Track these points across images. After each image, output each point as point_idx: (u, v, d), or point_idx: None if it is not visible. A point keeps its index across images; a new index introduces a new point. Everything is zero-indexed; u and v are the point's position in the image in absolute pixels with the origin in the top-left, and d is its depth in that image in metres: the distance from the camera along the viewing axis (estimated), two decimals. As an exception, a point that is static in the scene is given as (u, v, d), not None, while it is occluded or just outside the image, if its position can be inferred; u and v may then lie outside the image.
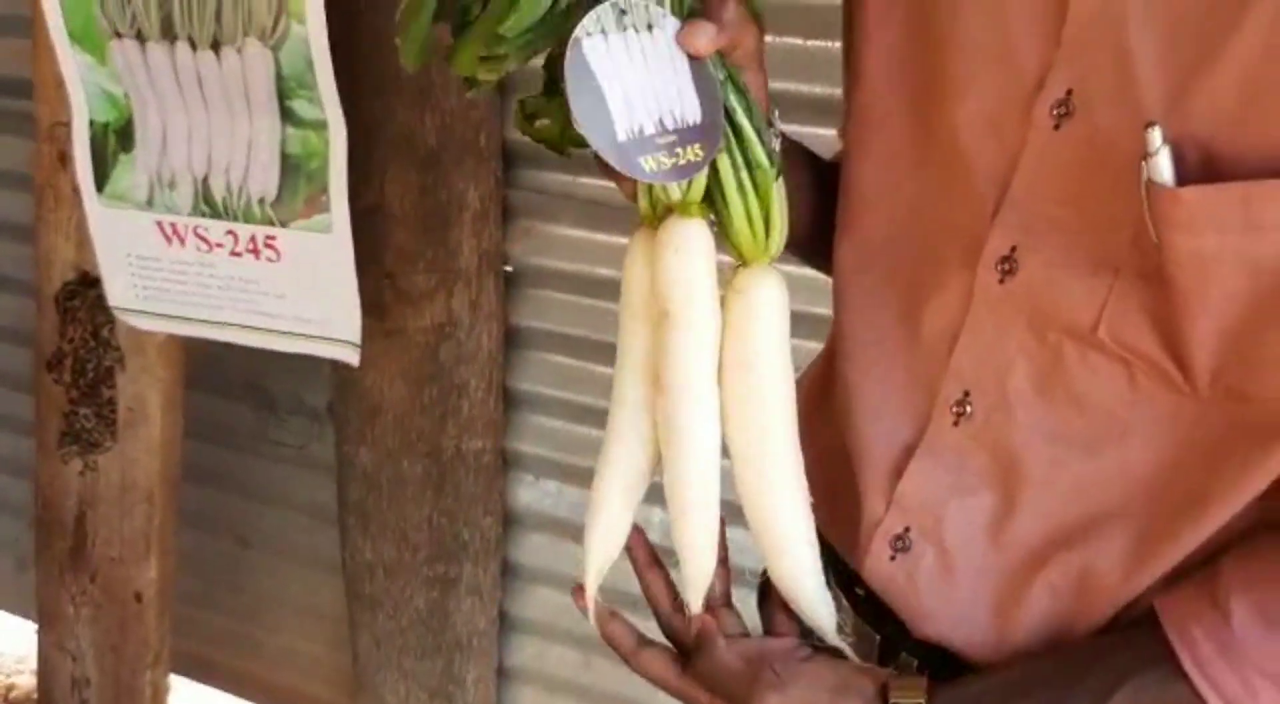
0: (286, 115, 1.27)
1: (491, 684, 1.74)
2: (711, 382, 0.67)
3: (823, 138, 0.90)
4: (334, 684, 1.90)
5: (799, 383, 0.86)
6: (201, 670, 2.01)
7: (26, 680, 2.28)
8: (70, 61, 1.36)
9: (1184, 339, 0.62)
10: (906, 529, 0.74)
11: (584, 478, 1.55)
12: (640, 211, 0.66)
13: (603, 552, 0.72)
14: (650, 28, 0.60)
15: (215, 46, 1.26)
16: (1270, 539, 0.63)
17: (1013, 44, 0.65)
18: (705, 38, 0.61)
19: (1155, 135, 0.58)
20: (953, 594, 0.73)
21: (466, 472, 1.59)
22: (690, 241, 0.65)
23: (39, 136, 1.53)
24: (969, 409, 0.71)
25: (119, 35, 1.31)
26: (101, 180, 1.43)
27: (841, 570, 0.79)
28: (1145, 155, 0.58)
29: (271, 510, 1.90)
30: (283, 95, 1.26)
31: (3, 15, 1.76)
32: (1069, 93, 0.63)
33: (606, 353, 1.40)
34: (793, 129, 0.77)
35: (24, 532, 2.07)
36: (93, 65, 1.36)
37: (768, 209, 0.65)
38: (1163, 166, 0.58)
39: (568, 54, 0.58)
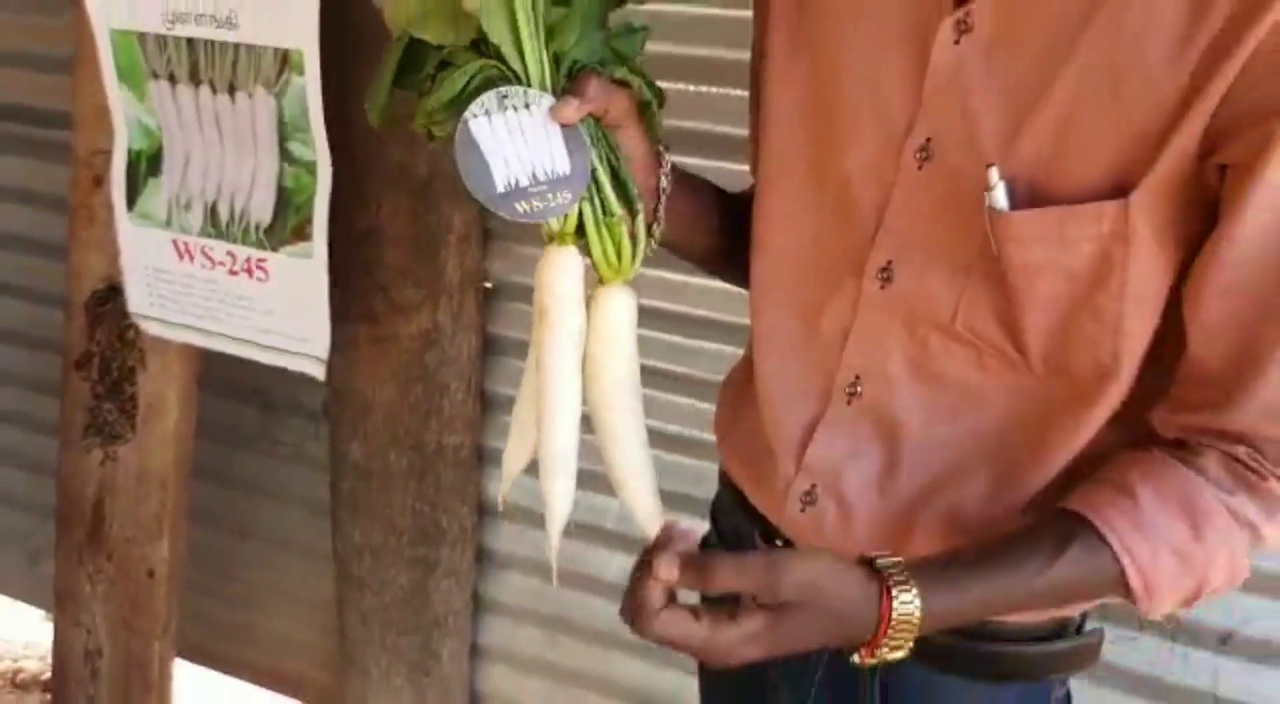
0: (284, 154, 1.46)
1: (465, 660, 1.91)
2: (575, 364, 0.84)
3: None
4: (323, 666, 2.06)
5: (728, 378, 1.06)
6: (201, 654, 2.16)
7: (34, 665, 2.43)
8: (116, 96, 1.56)
9: (1019, 328, 0.80)
10: (813, 487, 0.92)
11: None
12: (547, 235, 0.84)
13: (514, 465, 0.90)
14: (528, 106, 0.77)
15: (231, 91, 1.46)
16: (1153, 446, 0.78)
17: (885, 104, 0.82)
18: (569, 109, 0.77)
19: (993, 173, 0.76)
20: (851, 536, 0.90)
21: (446, 465, 1.77)
22: (561, 262, 0.83)
23: (76, 162, 1.71)
24: (859, 390, 0.89)
25: (156, 76, 1.51)
26: (132, 200, 1.62)
27: (765, 526, 0.97)
28: (987, 188, 0.76)
29: (270, 504, 2.07)
30: (282, 136, 1.45)
31: (43, 55, 1.95)
32: (928, 141, 0.81)
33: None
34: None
35: (36, 525, 2.24)
36: (133, 101, 1.55)
37: (619, 243, 0.83)
38: (999, 197, 0.76)
39: (458, 131, 0.76)
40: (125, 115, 1.57)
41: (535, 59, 0.77)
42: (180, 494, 1.78)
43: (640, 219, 0.84)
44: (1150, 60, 0.70)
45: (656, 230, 0.88)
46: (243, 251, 1.51)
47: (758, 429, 0.95)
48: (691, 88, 1.53)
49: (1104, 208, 0.73)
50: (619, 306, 0.85)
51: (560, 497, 0.85)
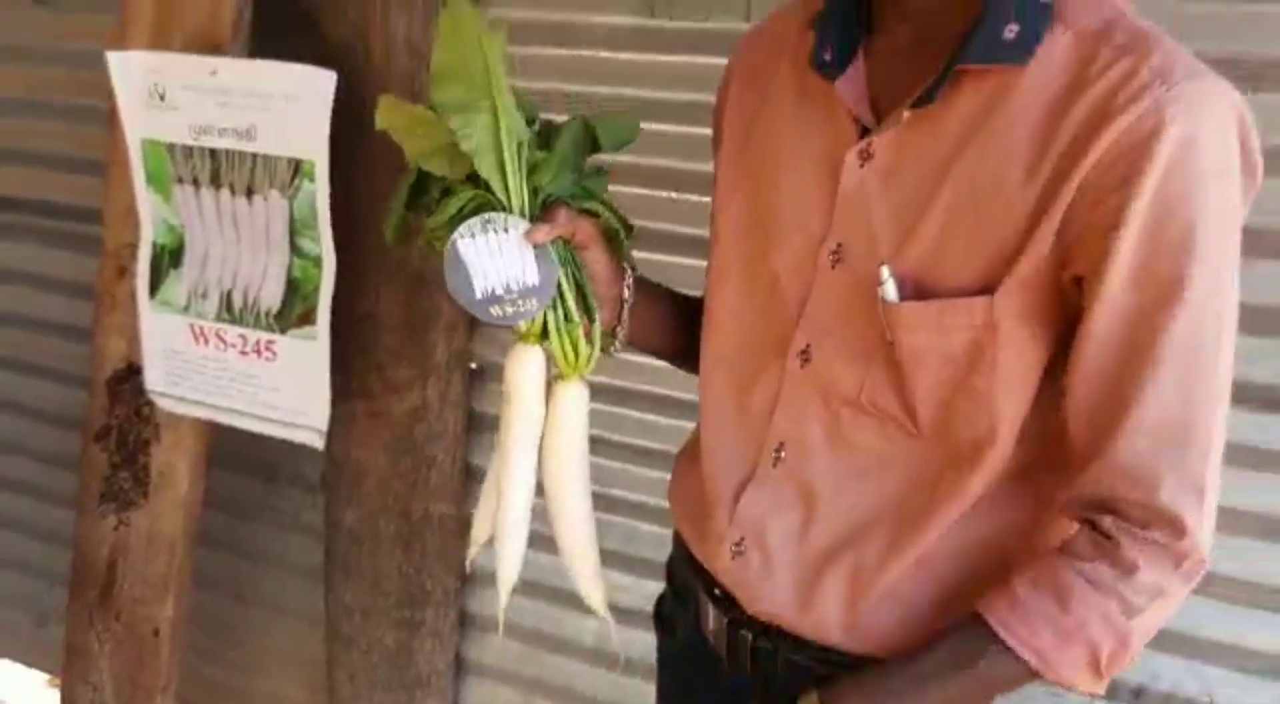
0: (294, 248, 1.65)
1: (447, 718, 2.04)
2: (531, 446, 1.02)
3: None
4: (312, 725, 2.19)
5: (681, 450, 1.22)
6: (198, 715, 2.29)
7: (36, 727, 2.54)
8: (144, 198, 1.75)
9: (912, 402, 0.94)
10: (742, 538, 1.05)
11: (539, 543, 1.90)
12: (516, 335, 1.03)
13: (480, 533, 1.09)
14: (507, 229, 0.96)
15: (249, 193, 1.66)
16: (1041, 555, 0.93)
17: (806, 217, 0.99)
18: (540, 233, 0.95)
19: (885, 271, 0.91)
20: (772, 582, 1.03)
21: (432, 532, 1.92)
22: (526, 358, 1.01)
23: (104, 254, 1.90)
24: (783, 455, 1.02)
25: (181, 181, 1.71)
26: (154, 289, 1.81)
27: (706, 580, 1.10)
28: (879, 283, 0.92)
29: (268, 570, 2.21)
30: (293, 233, 1.64)
31: (79, 158, 2.15)
32: (839, 246, 0.96)
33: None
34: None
35: (45, 590, 2.38)
36: (160, 202, 1.75)
37: (577, 345, 1.02)
38: (890, 291, 0.91)
39: (447, 249, 0.95)
40: (151, 214, 1.76)
41: (517, 191, 0.96)
42: (186, 557, 1.93)
43: (598, 325, 1.02)
44: (1006, 185, 0.86)
45: (621, 332, 1.06)
46: (253, 335, 1.69)
47: (701, 490, 1.10)
48: (663, 194, 1.72)
49: (974, 303, 0.88)
50: (573, 400, 1.03)
51: (510, 560, 1.04)
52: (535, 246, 0.96)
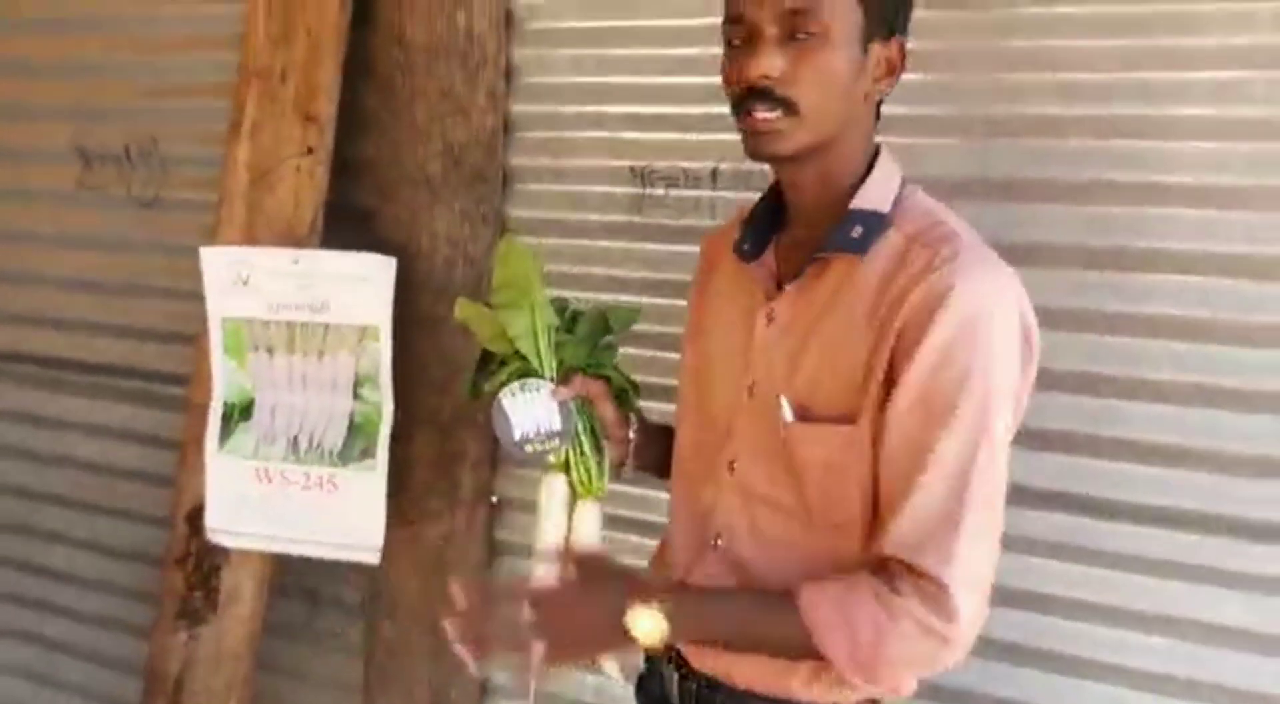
0: (357, 397, 2.05)
1: (468, 817, 2.29)
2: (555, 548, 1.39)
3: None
4: None
5: (657, 548, 1.55)
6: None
7: None
8: (220, 365, 2.13)
9: (805, 497, 1.26)
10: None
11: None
12: (544, 467, 1.41)
13: None
14: (539, 389, 1.36)
15: (319, 354, 2.07)
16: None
17: (734, 362, 1.34)
18: (561, 393, 1.35)
19: (782, 400, 1.25)
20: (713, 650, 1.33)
21: (459, 690, 2.22)
22: (553, 483, 1.40)
23: (190, 409, 2.29)
24: (720, 542, 1.34)
25: (257, 349, 2.11)
26: (224, 440, 2.17)
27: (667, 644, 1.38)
28: (780, 409, 1.27)
29: (310, 688, 2.50)
30: (357, 385, 2.04)
31: (167, 331, 2.56)
32: (754, 382, 1.30)
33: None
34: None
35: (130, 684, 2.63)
36: (235, 368, 2.12)
37: (589, 474, 1.40)
38: (787, 414, 1.25)
39: (493, 404, 1.36)
40: (225, 378, 2.13)
41: (547, 363, 1.38)
42: (250, 667, 2.24)
43: (605, 460, 1.39)
44: (852, 337, 1.21)
45: (629, 466, 1.43)
46: (317, 471, 2.06)
47: (667, 572, 1.44)
48: (647, 353, 2.10)
49: (841, 429, 1.21)
50: (588, 515, 1.41)
51: None
52: (559, 402, 1.35)
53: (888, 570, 1.17)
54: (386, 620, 2.22)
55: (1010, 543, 1.70)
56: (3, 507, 2.82)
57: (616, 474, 1.47)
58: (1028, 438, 1.70)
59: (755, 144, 1.21)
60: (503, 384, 1.36)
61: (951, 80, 1.73)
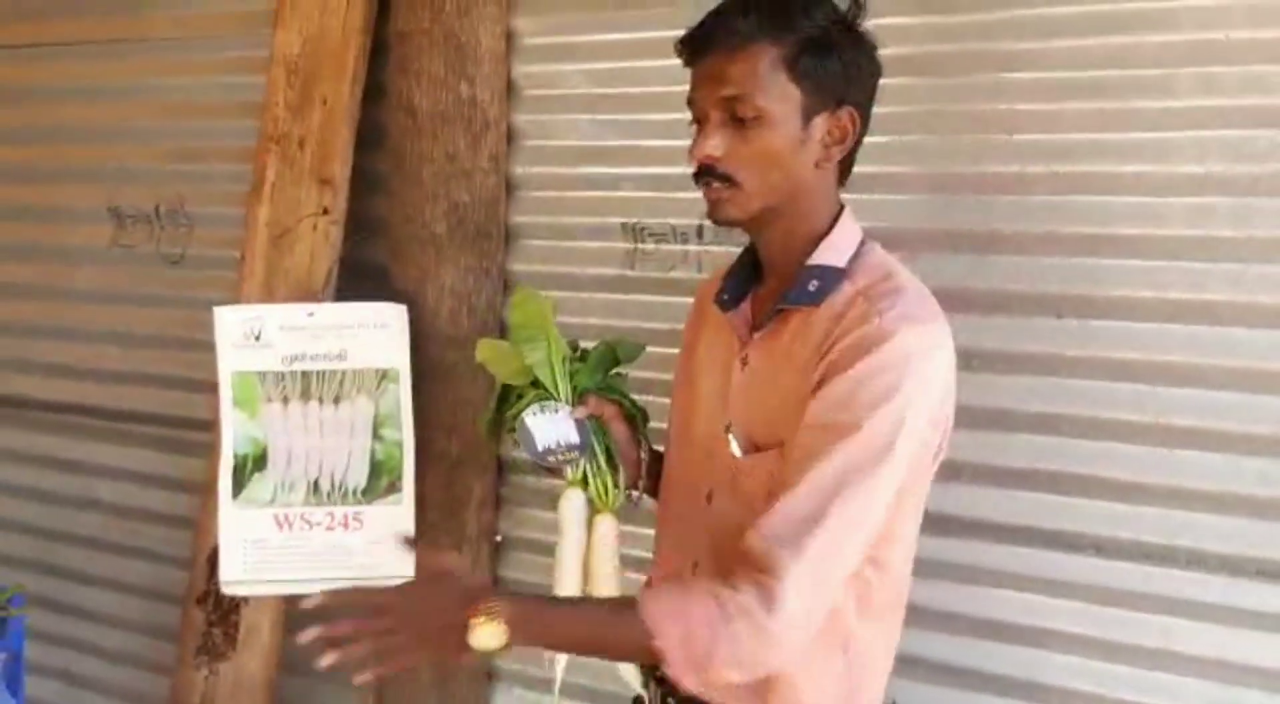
0: (377, 437, 2.18)
1: None
2: (578, 560, 1.50)
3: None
4: None
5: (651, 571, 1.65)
6: None
7: None
8: (229, 418, 2.20)
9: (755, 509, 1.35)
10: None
11: (542, 686, 2.29)
12: (566, 482, 1.53)
13: None
14: (557, 410, 1.49)
15: (336, 401, 2.20)
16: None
17: (714, 403, 1.46)
18: (578, 412, 1.48)
19: (731, 437, 1.38)
20: None
21: (462, 678, 2.32)
22: (572, 497, 1.52)
23: (213, 457, 2.41)
24: (697, 570, 1.45)
25: (270, 400, 2.23)
26: (238, 490, 2.22)
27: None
28: (730, 443, 1.39)
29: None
30: (377, 425, 2.16)
31: (190, 379, 2.70)
32: (730, 423, 1.42)
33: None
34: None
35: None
36: (245, 420, 2.20)
37: (606, 488, 1.51)
38: (735, 449, 1.38)
39: (519, 422, 1.49)
40: (235, 431, 2.20)
41: (564, 388, 1.52)
42: (268, 701, 2.35)
43: (620, 473, 1.51)
44: (802, 378, 1.32)
45: (642, 485, 1.55)
46: (340, 510, 2.17)
47: None
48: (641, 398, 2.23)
49: (773, 453, 1.34)
50: (605, 527, 1.53)
51: None
52: (576, 421, 1.49)
53: (731, 572, 1.25)
54: (396, 654, 2.32)
55: (977, 576, 1.84)
56: (33, 547, 2.95)
57: (631, 500, 1.58)
58: (993, 475, 1.83)
59: (710, 211, 1.38)
60: (524, 407, 1.51)
61: (917, 141, 1.86)
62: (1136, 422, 1.75)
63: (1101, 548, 1.79)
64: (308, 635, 1.26)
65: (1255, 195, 1.65)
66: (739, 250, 1.51)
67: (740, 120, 1.31)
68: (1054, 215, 1.78)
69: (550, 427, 1.48)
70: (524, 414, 1.49)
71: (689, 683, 1.25)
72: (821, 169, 1.37)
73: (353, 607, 1.28)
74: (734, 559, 1.27)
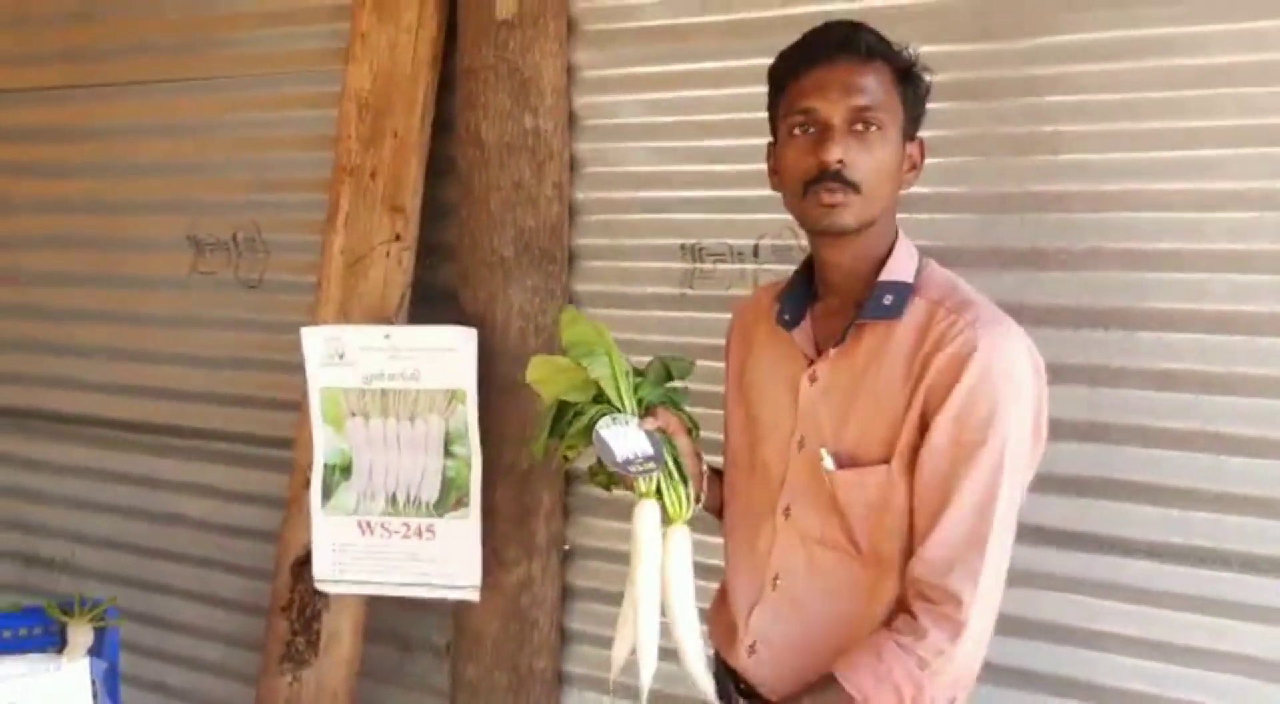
0: (448, 453, 2.29)
1: None
2: (655, 569, 1.53)
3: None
4: None
5: (717, 591, 1.73)
6: None
7: None
8: (319, 431, 2.38)
9: (853, 535, 1.45)
10: (754, 642, 1.55)
11: (621, 691, 2.37)
12: (639, 494, 1.56)
13: (620, 653, 1.56)
14: (627, 423, 1.53)
15: (411, 418, 2.32)
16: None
17: (781, 420, 1.54)
18: (649, 422, 1.51)
19: (824, 452, 1.45)
20: (777, 673, 1.52)
21: (535, 684, 2.43)
22: (647, 509, 1.52)
23: (295, 469, 2.55)
24: (779, 583, 1.53)
25: (354, 415, 2.37)
26: (327, 498, 2.42)
27: (733, 675, 1.59)
28: (821, 459, 1.47)
29: (399, 727, 2.72)
30: (447, 443, 2.28)
31: (269, 399, 2.84)
32: (802, 438, 1.50)
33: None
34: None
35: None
36: (333, 434, 2.37)
37: (679, 499, 1.55)
38: (828, 463, 1.45)
39: (594, 435, 1.52)
40: (325, 443, 2.38)
41: (629, 402, 1.55)
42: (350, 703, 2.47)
43: (691, 485, 1.55)
44: (891, 392, 1.40)
45: (703, 497, 1.58)
46: (415, 521, 2.30)
47: (728, 613, 1.63)
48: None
49: (879, 469, 1.41)
50: (680, 538, 1.52)
51: (650, 656, 1.52)
52: (647, 433, 1.51)
53: (908, 610, 1.35)
54: (470, 664, 2.43)
55: (1031, 579, 1.91)
56: (121, 562, 3.10)
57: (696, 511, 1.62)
58: (1042, 482, 1.89)
59: (824, 217, 1.40)
60: (592, 420, 1.53)
61: (964, 163, 1.94)
62: (1183, 429, 1.82)
63: (1154, 552, 1.85)
64: None
65: (1293, 210, 1.72)
66: (794, 269, 1.59)
67: (863, 130, 1.37)
68: (1098, 232, 1.85)
69: (624, 439, 1.51)
70: (598, 427, 1.51)
71: None
72: (900, 192, 1.46)
73: None
74: (907, 588, 1.38)
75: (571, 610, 2.49)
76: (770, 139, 1.51)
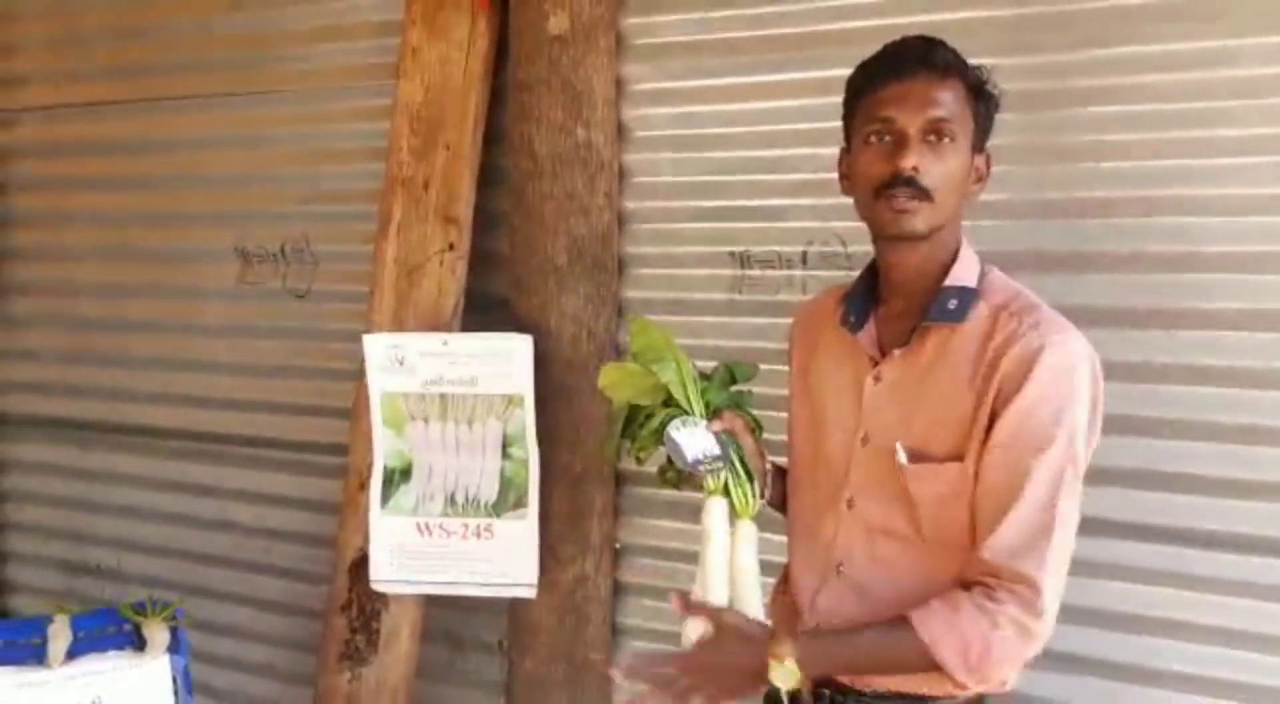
0: (506, 455, 2.37)
1: None
2: (724, 562, 1.61)
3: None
4: None
5: (778, 578, 1.80)
6: None
7: None
8: (380, 434, 2.45)
9: (919, 523, 1.51)
10: (818, 625, 1.61)
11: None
12: (707, 492, 1.64)
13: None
14: (696, 425, 1.61)
15: (469, 422, 2.40)
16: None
17: (846, 418, 1.61)
18: (715, 425, 1.60)
19: (899, 446, 1.52)
20: None
21: (589, 674, 2.50)
22: (716, 505, 1.61)
23: (350, 473, 2.62)
24: (843, 569, 1.59)
25: (413, 419, 2.44)
26: (386, 499, 2.49)
27: None
28: (896, 453, 1.52)
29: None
30: (505, 445, 2.36)
31: (320, 406, 2.92)
32: (867, 434, 1.57)
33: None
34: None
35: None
36: (393, 437, 2.45)
37: (745, 495, 1.63)
38: (902, 458, 1.52)
39: (665, 436, 1.61)
40: (385, 446, 2.46)
41: (697, 405, 1.64)
42: (409, 702, 2.54)
43: (755, 484, 1.63)
44: (959, 391, 1.47)
45: (767, 493, 1.66)
46: (473, 521, 2.38)
47: (790, 599, 1.69)
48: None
49: (952, 466, 1.48)
50: (746, 532, 1.61)
51: None
52: (715, 434, 1.60)
53: (983, 583, 1.43)
54: (527, 657, 2.51)
55: (1077, 568, 1.99)
56: (175, 567, 3.17)
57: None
58: (1090, 474, 1.98)
59: (896, 222, 1.48)
60: (656, 432, 1.63)
61: (1011, 171, 2.01)
62: (1225, 422, 1.91)
63: (1193, 539, 1.94)
64: (619, 675, 1.53)
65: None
66: (840, 274, 1.67)
67: (937, 141, 1.45)
68: (1140, 236, 1.94)
69: (693, 439, 1.60)
70: (669, 428, 1.60)
71: (966, 681, 1.42)
72: (967, 202, 1.54)
73: (658, 672, 1.49)
74: (975, 571, 1.44)
75: (623, 605, 2.57)
76: (843, 145, 1.58)
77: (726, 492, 1.61)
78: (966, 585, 1.45)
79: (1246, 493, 1.90)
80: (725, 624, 1.52)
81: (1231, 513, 1.91)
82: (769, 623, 1.53)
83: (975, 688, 1.46)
